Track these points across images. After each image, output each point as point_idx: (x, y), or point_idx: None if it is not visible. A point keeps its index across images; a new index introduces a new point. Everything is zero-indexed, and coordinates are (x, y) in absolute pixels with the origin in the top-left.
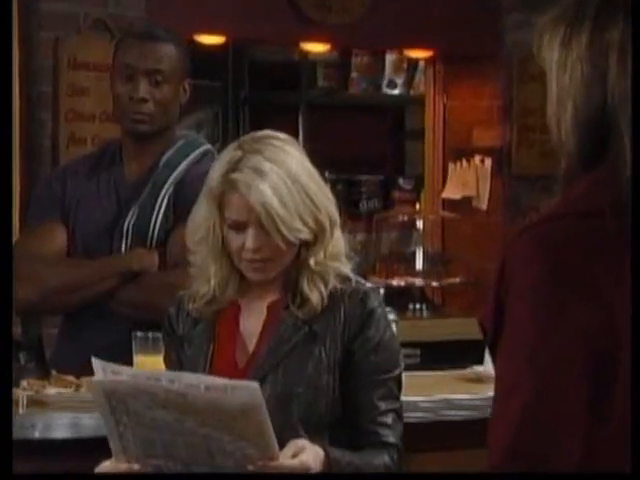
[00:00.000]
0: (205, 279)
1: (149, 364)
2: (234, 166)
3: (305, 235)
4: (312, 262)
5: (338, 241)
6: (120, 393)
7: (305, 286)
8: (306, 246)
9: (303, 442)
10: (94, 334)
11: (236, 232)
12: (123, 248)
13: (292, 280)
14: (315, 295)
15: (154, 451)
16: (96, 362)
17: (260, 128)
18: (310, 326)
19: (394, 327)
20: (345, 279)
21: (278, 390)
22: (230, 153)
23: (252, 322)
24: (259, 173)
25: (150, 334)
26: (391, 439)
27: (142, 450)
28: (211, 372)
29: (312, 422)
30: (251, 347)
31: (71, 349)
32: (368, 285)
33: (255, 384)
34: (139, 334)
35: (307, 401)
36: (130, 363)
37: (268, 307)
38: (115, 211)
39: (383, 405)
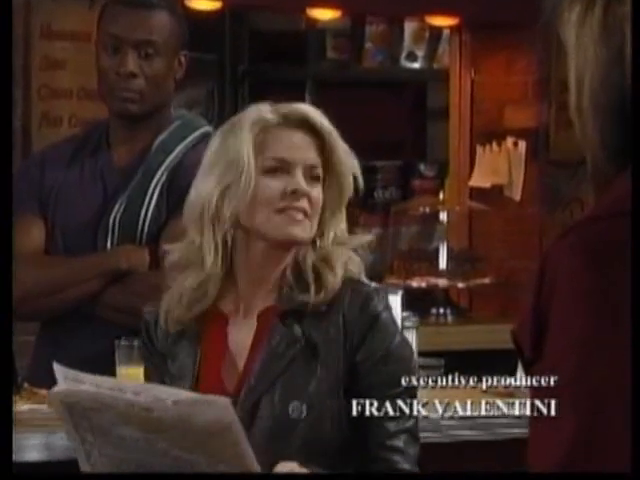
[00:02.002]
0: (198, 265)
1: (134, 377)
2: (276, 107)
3: (343, 186)
4: (331, 237)
5: (340, 225)
6: (81, 406)
7: (303, 284)
8: (323, 216)
9: (292, 465)
10: (76, 342)
11: (275, 176)
12: (109, 244)
13: (291, 277)
14: (330, 278)
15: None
16: (57, 369)
17: None
18: (308, 337)
19: (413, 334)
20: (347, 278)
21: (275, 415)
22: (259, 108)
23: (241, 334)
24: (305, 106)
25: (136, 342)
26: (403, 465)
27: (112, 472)
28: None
29: (315, 451)
30: (241, 364)
31: (50, 359)
32: (372, 285)
33: (225, 400)
34: (123, 342)
35: (309, 427)
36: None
37: (259, 316)
38: (100, 202)
39: (393, 426)
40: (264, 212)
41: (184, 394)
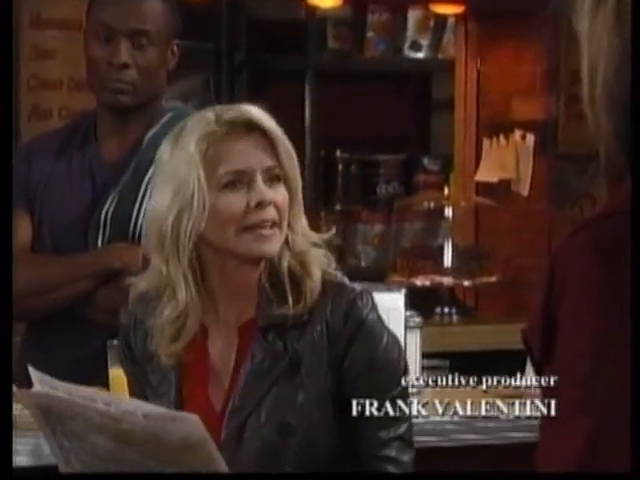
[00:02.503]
0: (171, 295)
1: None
2: (218, 112)
3: (299, 185)
4: (300, 237)
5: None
6: (56, 411)
7: (296, 269)
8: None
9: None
10: (66, 345)
11: (234, 190)
12: (100, 242)
13: (277, 277)
14: (308, 284)
15: None
16: (33, 373)
17: (259, 98)
18: (292, 351)
19: (417, 334)
20: (328, 281)
21: (263, 435)
22: (198, 116)
23: (223, 348)
24: (251, 108)
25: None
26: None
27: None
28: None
29: (307, 467)
30: (226, 382)
31: (37, 362)
32: (355, 288)
33: (195, 416)
34: (115, 343)
35: (300, 446)
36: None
37: (240, 329)
38: (90, 198)
39: (384, 434)
40: (230, 230)
41: (154, 408)
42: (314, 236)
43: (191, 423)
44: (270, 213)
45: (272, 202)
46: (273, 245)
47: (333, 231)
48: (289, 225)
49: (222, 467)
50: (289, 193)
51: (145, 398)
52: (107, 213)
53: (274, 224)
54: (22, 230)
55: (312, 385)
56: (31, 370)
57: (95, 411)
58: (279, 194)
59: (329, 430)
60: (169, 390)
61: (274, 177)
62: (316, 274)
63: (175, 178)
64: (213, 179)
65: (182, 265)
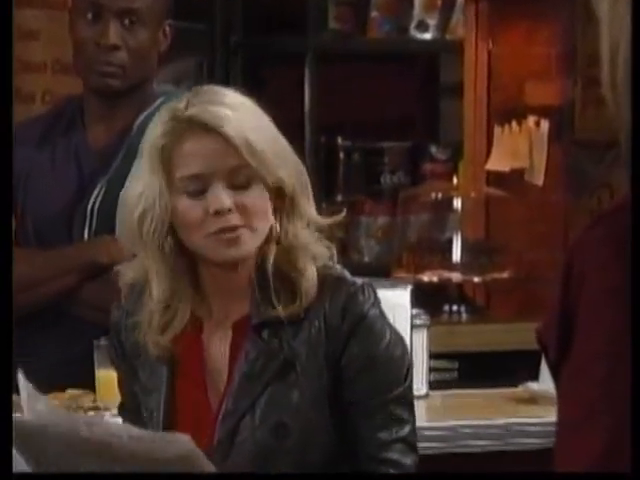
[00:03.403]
0: (148, 288)
1: (115, 380)
2: (181, 110)
3: (286, 181)
4: (287, 239)
5: (307, 213)
6: (36, 433)
7: (278, 287)
8: (280, 213)
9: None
10: (50, 344)
11: (194, 197)
12: (86, 235)
13: (264, 276)
14: (303, 283)
15: None
16: (22, 382)
17: (255, 81)
18: (287, 348)
19: (424, 334)
20: (326, 274)
21: (257, 438)
22: (171, 105)
23: (218, 345)
24: (221, 103)
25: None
26: None
27: None
28: (176, 413)
29: (303, 469)
30: (221, 381)
31: (20, 362)
32: (356, 282)
33: (186, 436)
34: (102, 342)
35: (296, 448)
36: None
37: (234, 326)
38: (76, 187)
39: (385, 435)
40: (196, 236)
41: (140, 431)
42: (321, 222)
43: (182, 443)
44: (232, 220)
45: (235, 208)
46: (242, 248)
47: (343, 213)
48: (281, 223)
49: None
50: (274, 192)
51: (134, 396)
52: (94, 204)
53: (241, 227)
54: None
55: (308, 384)
56: (20, 378)
57: (78, 438)
58: (248, 197)
59: (326, 431)
60: (159, 386)
61: (241, 182)
62: (310, 274)
63: (143, 175)
64: (172, 183)
65: (153, 259)
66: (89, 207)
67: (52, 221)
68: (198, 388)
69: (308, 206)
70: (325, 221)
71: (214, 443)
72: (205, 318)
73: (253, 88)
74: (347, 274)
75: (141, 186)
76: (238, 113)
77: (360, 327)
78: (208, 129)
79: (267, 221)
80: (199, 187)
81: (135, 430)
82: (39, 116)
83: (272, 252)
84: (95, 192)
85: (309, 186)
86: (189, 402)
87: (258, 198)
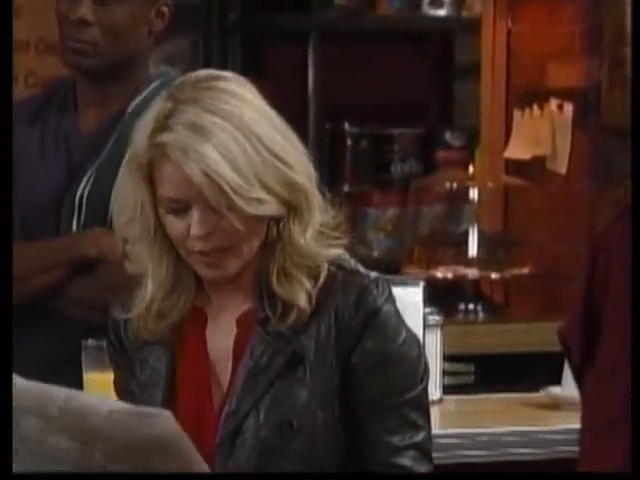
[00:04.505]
0: (144, 281)
1: (104, 384)
2: (163, 124)
3: (272, 207)
4: (292, 246)
5: (323, 212)
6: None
7: (285, 284)
8: (278, 223)
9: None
10: (36, 343)
11: (175, 216)
12: (75, 226)
13: (268, 278)
14: (301, 296)
15: None
16: None
17: (255, 63)
18: (293, 343)
19: (438, 334)
20: (338, 267)
21: (261, 437)
22: (158, 106)
23: (222, 340)
24: (197, 130)
25: (105, 343)
26: None
27: None
28: (175, 411)
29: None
30: (226, 378)
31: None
32: (370, 275)
33: (167, 412)
34: (90, 343)
35: (302, 449)
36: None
37: (238, 321)
38: (64, 174)
39: (397, 440)
40: (181, 250)
41: (120, 404)
42: (326, 221)
43: (164, 420)
44: (213, 243)
45: (217, 230)
46: (224, 271)
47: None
48: (285, 224)
49: (203, 469)
50: (281, 202)
51: (132, 395)
52: (83, 194)
53: (222, 250)
54: None
55: (317, 381)
56: None
57: (54, 407)
58: (232, 219)
59: (335, 432)
60: (158, 382)
61: (223, 204)
62: (302, 298)
63: (127, 185)
64: (157, 197)
65: (147, 240)
66: (77, 196)
67: (39, 210)
68: (200, 385)
69: (317, 211)
70: (330, 219)
71: (216, 443)
72: (210, 309)
73: (252, 70)
74: (360, 267)
75: (126, 194)
76: (213, 140)
77: (373, 322)
78: (184, 157)
79: (248, 242)
80: (181, 206)
81: (115, 403)
82: (29, 98)
83: (282, 263)
84: (83, 182)
85: (316, 186)
86: (190, 400)
87: (242, 219)
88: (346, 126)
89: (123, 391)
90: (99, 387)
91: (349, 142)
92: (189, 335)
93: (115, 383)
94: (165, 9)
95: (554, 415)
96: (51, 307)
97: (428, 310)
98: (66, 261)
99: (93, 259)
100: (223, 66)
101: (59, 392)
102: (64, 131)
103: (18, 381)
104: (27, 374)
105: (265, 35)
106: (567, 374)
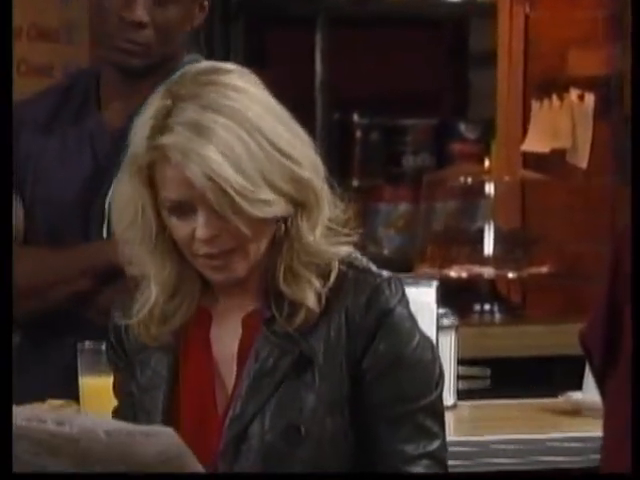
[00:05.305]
0: (147, 285)
1: (102, 389)
2: (162, 123)
3: (279, 207)
4: (300, 244)
5: (332, 206)
6: None
7: (292, 284)
8: (286, 221)
9: None
10: (65, 349)
11: (179, 218)
12: (105, 232)
13: (274, 277)
14: (310, 296)
15: None
16: None
17: (259, 50)
18: (301, 345)
19: (452, 337)
20: (349, 265)
21: (266, 444)
22: (155, 103)
23: (227, 342)
24: (198, 131)
25: (104, 345)
26: None
27: None
28: (177, 414)
29: None
30: (231, 381)
31: (33, 369)
32: (382, 274)
33: (169, 430)
34: (87, 346)
35: (309, 456)
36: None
37: (243, 321)
38: (90, 175)
39: (411, 449)
40: (187, 252)
41: (119, 424)
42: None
43: (166, 437)
44: (219, 246)
45: (222, 233)
46: (231, 275)
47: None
48: (293, 222)
49: None
50: (289, 201)
51: (131, 396)
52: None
53: (229, 251)
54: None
55: (326, 386)
56: None
57: (46, 432)
58: (238, 220)
59: (344, 439)
60: (159, 384)
61: (227, 207)
62: (310, 297)
63: (126, 187)
64: (159, 199)
65: (148, 243)
66: (107, 200)
67: (65, 215)
68: (204, 388)
69: (326, 207)
70: (340, 213)
71: (220, 448)
72: (214, 309)
73: (255, 57)
74: (372, 266)
75: (126, 196)
76: (215, 140)
77: (386, 323)
78: (185, 159)
79: (256, 244)
80: (185, 209)
81: (111, 423)
82: (47, 91)
83: (290, 262)
84: (114, 182)
85: (324, 181)
86: (193, 403)
87: (248, 222)
88: (355, 117)
89: (122, 394)
90: (95, 392)
91: (358, 134)
92: (192, 336)
93: (114, 385)
94: (206, 3)
95: (574, 422)
96: (81, 316)
97: (442, 311)
98: (93, 269)
99: (122, 266)
100: (225, 52)
101: (52, 416)
102: (88, 128)
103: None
104: (56, 379)
105: (270, 21)
106: (588, 378)
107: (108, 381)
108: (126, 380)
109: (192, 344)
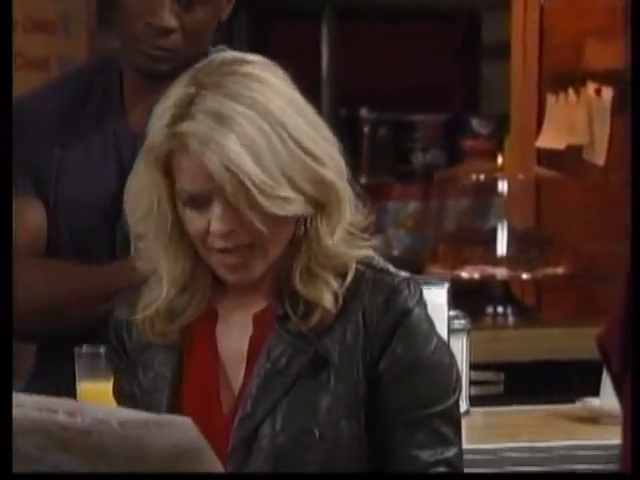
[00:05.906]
0: (156, 280)
1: (101, 394)
2: (183, 111)
3: (298, 207)
4: (319, 246)
5: (354, 211)
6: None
7: (309, 284)
8: (305, 220)
9: None
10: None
11: (195, 210)
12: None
13: (289, 277)
14: (327, 296)
15: None
16: None
17: (265, 43)
18: (316, 345)
19: (464, 340)
20: (367, 265)
21: (277, 446)
22: (178, 91)
23: (235, 341)
24: (220, 119)
25: (102, 349)
26: None
27: None
28: (180, 414)
29: None
30: (237, 380)
31: (52, 375)
32: (400, 275)
33: (187, 419)
34: (85, 350)
35: (321, 461)
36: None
37: (254, 319)
38: (116, 179)
39: (427, 455)
40: (200, 247)
41: (133, 413)
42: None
43: (183, 428)
44: (235, 240)
45: (239, 228)
46: (247, 274)
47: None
48: (307, 235)
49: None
50: (309, 201)
51: (132, 398)
52: None
53: (246, 246)
54: (35, 220)
55: (341, 387)
56: None
57: (56, 424)
58: (255, 215)
59: (359, 443)
60: (163, 385)
61: (244, 200)
62: (327, 298)
63: (142, 177)
64: (175, 190)
65: (162, 237)
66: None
67: (90, 224)
68: (208, 388)
69: (347, 211)
70: (362, 219)
71: (228, 450)
72: (221, 306)
73: (260, 51)
74: (390, 266)
75: (141, 187)
76: (236, 130)
77: (404, 324)
78: (204, 148)
79: (274, 242)
80: (201, 201)
81: (126, 413)
82: (59, 87)
83: (308, 262)
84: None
85: (347, 182)
86: (196, 403)
87: (265, 219)
88: (363, 112)
89: (123, 395)
90: (94, 398)
91: (366, 130)
92: (198, 334)
93: (114, 387)
94: None
95: (592, 429)
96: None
97: (453, 313)
98: (124, 284)
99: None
100: (228, 46)
101: (64, 406)
102: (112, 130)
103: (21, 398)
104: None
105: (274, 14)
106: (606, 384)
107: (107, 386)
108: (127, 381)
109: (197, 341)
